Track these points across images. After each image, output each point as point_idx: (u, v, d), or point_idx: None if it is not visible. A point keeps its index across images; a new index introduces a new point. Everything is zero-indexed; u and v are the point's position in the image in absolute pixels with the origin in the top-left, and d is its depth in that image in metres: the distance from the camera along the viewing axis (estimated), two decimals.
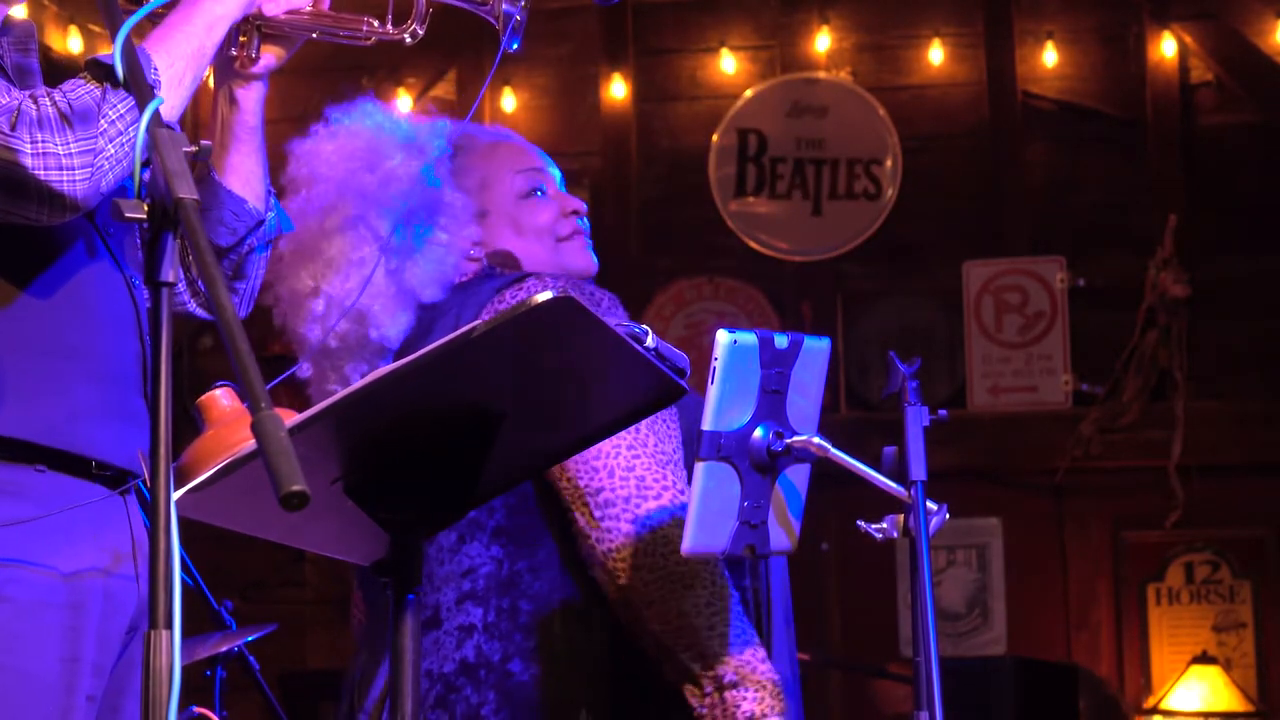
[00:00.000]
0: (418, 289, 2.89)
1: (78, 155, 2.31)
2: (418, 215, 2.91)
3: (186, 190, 1.88)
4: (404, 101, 7.42)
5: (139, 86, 2.16)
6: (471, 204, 2.98)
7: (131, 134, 2.33)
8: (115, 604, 2.46)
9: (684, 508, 2.62)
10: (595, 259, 3.05)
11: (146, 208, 1.91)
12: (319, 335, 2.89)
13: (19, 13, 2.56)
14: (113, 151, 2.33)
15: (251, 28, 2.63)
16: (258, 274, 2.74)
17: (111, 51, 2.25)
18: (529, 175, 3.02)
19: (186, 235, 1.87)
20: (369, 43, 2.72)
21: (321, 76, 7.53)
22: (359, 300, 2.85)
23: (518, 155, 3.06)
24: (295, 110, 7.34)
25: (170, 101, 2.42)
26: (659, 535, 2.65)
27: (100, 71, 2.35)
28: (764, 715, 2.66)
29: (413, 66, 7.60)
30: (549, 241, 3.00)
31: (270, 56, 2.68)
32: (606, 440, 2.65)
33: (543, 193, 3.02)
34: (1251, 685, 7.22)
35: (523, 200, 3.00)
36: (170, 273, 1.89)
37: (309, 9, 2.67)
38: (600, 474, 2.68)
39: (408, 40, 2.69)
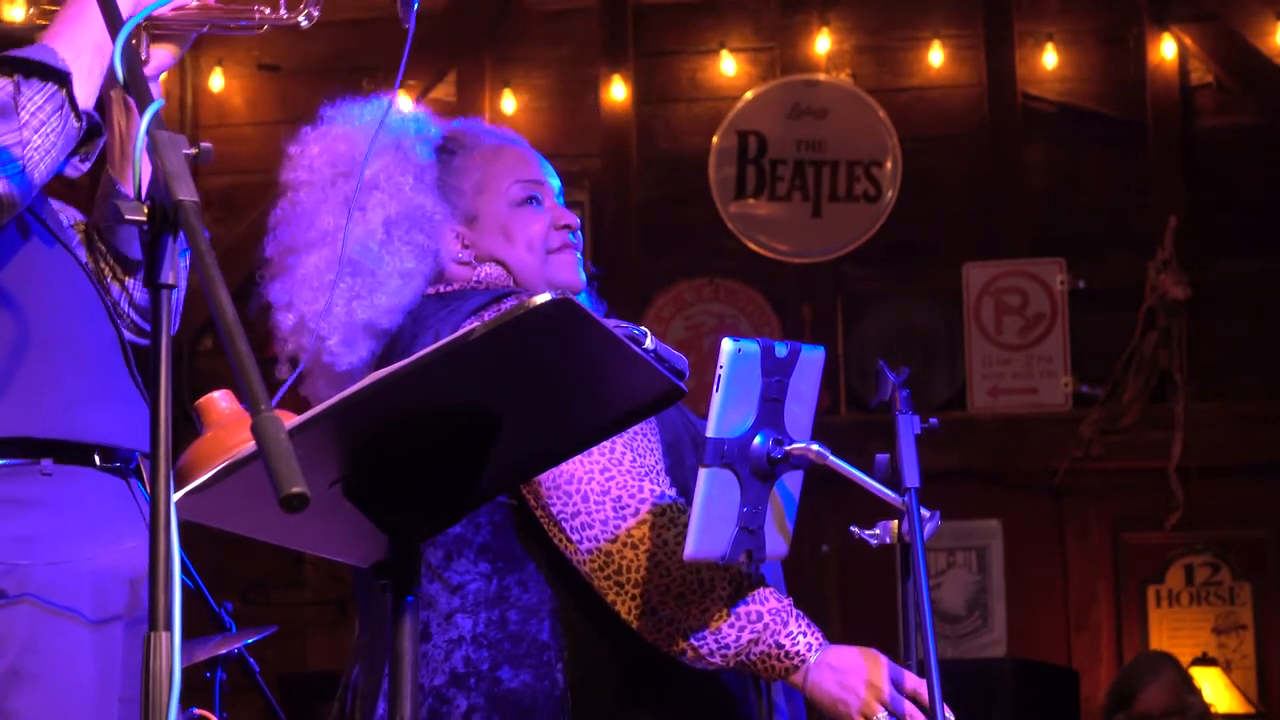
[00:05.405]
0: (376, 316, 2.83)
1: (4, 150, 2.30)
2: (399, 224, 2.88)
3: (186, 192, 1.87)
4: (404, 102, 7.42)
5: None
6: (461, 207, 2.95)
7: (55, 121, 2.33)
8: (139, 596, 2.46)
9: (667, 521, 2.61)
10: (583, 276, 3.00)
11: (147, 210, 1.90)
12: (291, 349, 2.85)
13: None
14: (39, 141, 2.32)
15: (139, 28, 2.54)
16: (180, 281, 2.70)
17: (22, 47, 2.26)
18: (528, 185, 2.98)
19: (187, 237, 1.86)
20: (262, 30, 2.62)
21: (320, 78, 7.55)
22: (322, 323, 2.80)
23: (520, 164, 3.02)
24: (294, 112, 7.39)
25: (82, 93, 2.39)
26: (644, 554, 2.63)
27: (7, 66, 2.34)
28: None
29: (412, 68, 7.59)
30: (539, 253, 2.97)
31: (165, 54, 2.61)
32: (579, 464, 2.64)
33: (538, 203, 3.00)
34: (1252, 687, 7.22)
35: (516, 208, 2.98)
36: (170, 275, 1.88)
37: (195, 2, 2.57)
38: (574, 498, 2.66)
39: (303, 23, 2.60)
